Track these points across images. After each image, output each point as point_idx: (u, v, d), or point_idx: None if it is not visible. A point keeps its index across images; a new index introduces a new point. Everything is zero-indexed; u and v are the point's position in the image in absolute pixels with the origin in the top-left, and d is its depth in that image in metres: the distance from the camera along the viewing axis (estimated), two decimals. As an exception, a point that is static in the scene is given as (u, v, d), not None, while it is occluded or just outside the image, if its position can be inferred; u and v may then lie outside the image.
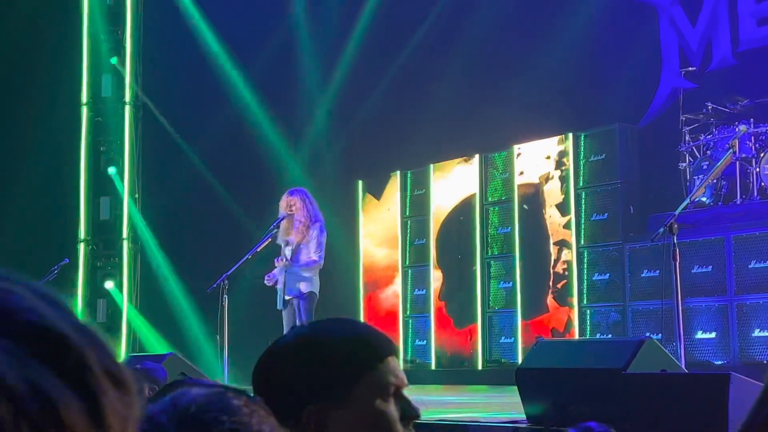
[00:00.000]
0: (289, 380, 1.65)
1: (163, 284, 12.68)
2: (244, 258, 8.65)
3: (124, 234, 13.03)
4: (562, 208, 10.52)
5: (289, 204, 8.57)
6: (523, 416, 5.54)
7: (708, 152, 9.59)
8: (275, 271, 8.57)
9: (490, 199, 11.37)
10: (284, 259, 8.41)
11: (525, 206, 10.89)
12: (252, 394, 1.60)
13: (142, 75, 13.37)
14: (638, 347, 5.06)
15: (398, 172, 12.33)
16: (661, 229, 6.15)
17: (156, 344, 12.04)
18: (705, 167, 9.28)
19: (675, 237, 6.13)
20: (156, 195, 13.08)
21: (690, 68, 10.25)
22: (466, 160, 11.60)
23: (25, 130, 12.48)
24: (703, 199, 9.36)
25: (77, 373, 0.62)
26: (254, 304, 10.21)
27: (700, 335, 8.98)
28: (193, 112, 12.95)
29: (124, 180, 13.06)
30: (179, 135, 12.98)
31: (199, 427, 0.92)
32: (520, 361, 10.03)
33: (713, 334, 8.89)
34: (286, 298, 8.51)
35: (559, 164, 10.59)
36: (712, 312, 8.93)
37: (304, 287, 8.49)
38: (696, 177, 9.35)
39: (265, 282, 8.59)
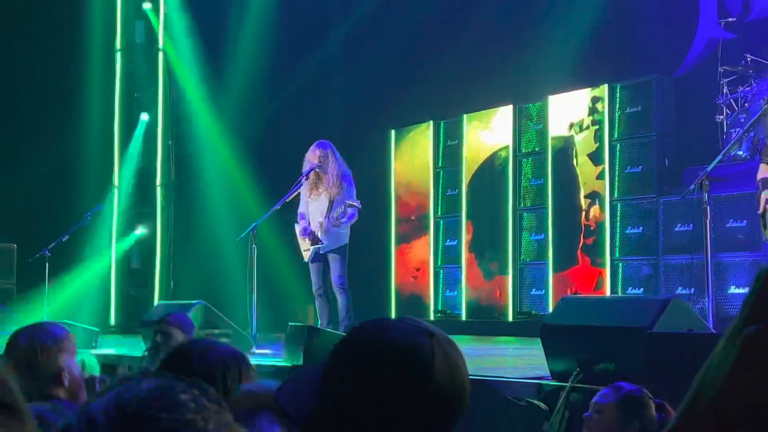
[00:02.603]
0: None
1: (194, 232, 12.73)
2: (274, 207, 8.69)
3: (158, 181, 13.07)
4: (595, 158, 10.38)
5: (318, 156, 8.51)
6: (548, 372, 5.51)
7: (746, 105, 9.39)
8: (304, 227, 8.55)
9: (523, 150, 11.25)
10: (330, 219, 8.31)
11: (558, 157, 10.76)
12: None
13: (173, 22, 13.32)
14: (664, 306, 5.00)
15: (431, 122, 12.22)
16: (692, 186, 6.05)
17: (188, 291, 12.12)
18: (742, 120, 9.10)
19: (706, 194, 6.03)
20: (189, 143, 13.09)
21: (729, 18, 10.02)
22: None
23: (61, 76, 12.50)
24: (740, 152, 9.19)
25: None
26: (283, 254, 10.22)
27: (733, 290, 8.88)
28: (223, 60, 12.90)
29: (158, 127, 13.08)
30: (210, 83, 12.94)
31: (136, 426, 0.89)
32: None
33: (746, 290, 8.77)
34: (321, 252, 8.48)
35: (593, 113, 10.44)
36: (745, 267, 8.83)
37: (339, 241, 8.46)
38: (733, 130, 9.17)
39: (303, 238, 8.54)
